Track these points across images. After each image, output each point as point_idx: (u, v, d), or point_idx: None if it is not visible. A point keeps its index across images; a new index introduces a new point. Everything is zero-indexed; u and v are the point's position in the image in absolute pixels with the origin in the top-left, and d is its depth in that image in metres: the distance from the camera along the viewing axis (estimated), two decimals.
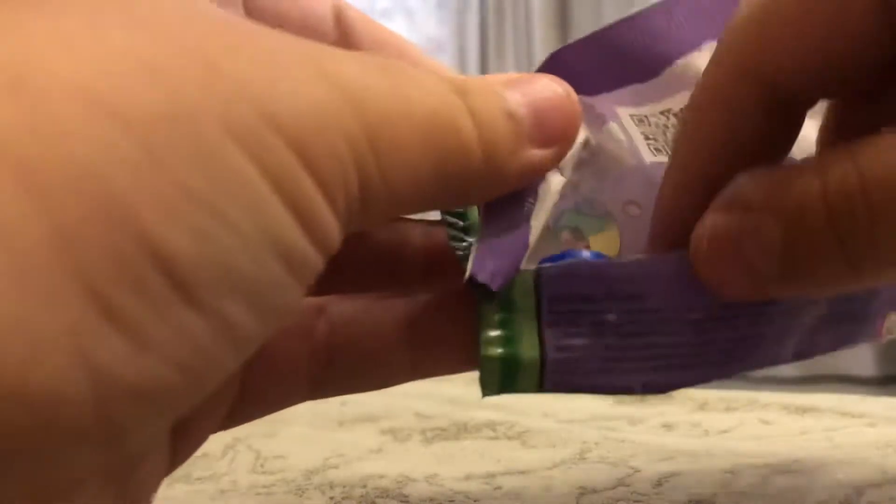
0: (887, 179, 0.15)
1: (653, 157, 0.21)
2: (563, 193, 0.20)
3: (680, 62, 0.21)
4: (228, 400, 0.19)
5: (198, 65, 0.13)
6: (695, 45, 0.21)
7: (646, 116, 0.21)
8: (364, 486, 0.29)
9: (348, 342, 0.20)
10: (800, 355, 0.21)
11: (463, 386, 0.50)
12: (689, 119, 0.19)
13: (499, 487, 0.28)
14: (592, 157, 0.20)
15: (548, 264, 0.18)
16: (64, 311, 0.11)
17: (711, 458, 0.30)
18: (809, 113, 0.18)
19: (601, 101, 0.21)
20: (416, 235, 0.22)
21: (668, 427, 0.36)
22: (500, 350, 0.18)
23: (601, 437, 0.34)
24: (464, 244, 0.21)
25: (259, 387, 0.19)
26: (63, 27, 0.12)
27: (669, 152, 0.21)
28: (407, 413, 0.42)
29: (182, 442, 0.17)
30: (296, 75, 0.14)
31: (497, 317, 0.18)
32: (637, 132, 0.21)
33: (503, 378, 0.19)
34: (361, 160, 0.14)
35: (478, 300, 0.18)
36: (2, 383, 0.10)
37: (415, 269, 0.22)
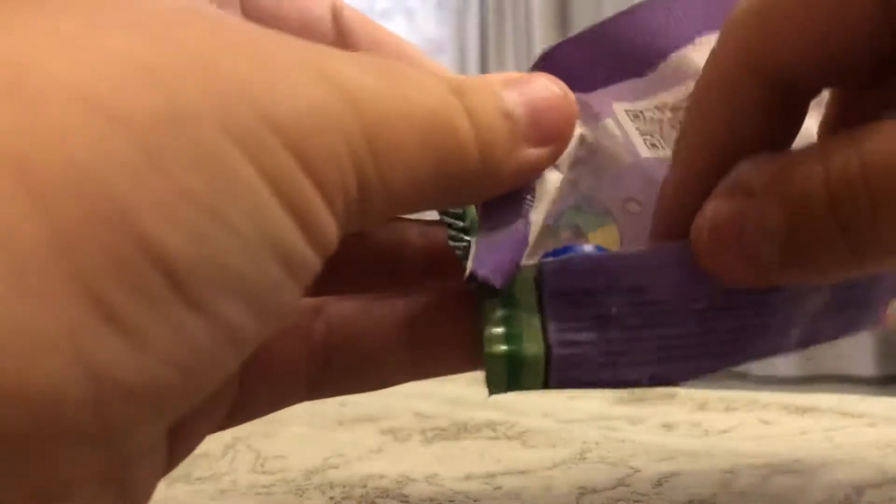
0: (888, 166, 0.15)
1: (648, 152, 0.21)
2: (562, 191, 0.19)
3: (674, 56, 0.21)
4: (226, 400, 0.19)
5: (196, 66, 0.13)
6: (690, 39, 0.21)
7: (641, 111, 0.21)
8: (364, 486, 0.29)
9: (346, 342, 0.20)
10: (804, 343, 0.21)
11: (463, 386, 0.50)
12: (691, 112, 0.19)
13: (499, 487, 0.28)
14: (589, 155, 0.20)
15: (549, 259, 0.18)
16: (63, 312, 0.11)
17: (711, 458, 0.30)
18: (812, 106, 0.18)
19: (596, 98, 0.21)
20: (415, 235, 0.22)
21: (668, 427, 0.36)
22: (503, 347, 0.18)
23: (601, 437, 0.34)
24: (463, 244, 0.21)
25: (257, 387, 0.19)
26: (62, 29, 0.12)
27: (665, 147, 0.21)
28: (407, 413, 0.42)
29: (179, 442, 0.17)
30: (294, 76, 0.14)
31: (499, 314, 0.18)
32: (632, 128, 0.21)
33: (509, 376, 0.18)
34: (359, 161, 0.14)
35: (478, 298, 0.18)
36: (1, 384, 0.10)
37: (413, 270, 0.22)
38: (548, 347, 0.18)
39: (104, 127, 0.11)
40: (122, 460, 0.12)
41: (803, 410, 0.38)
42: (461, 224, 0.21)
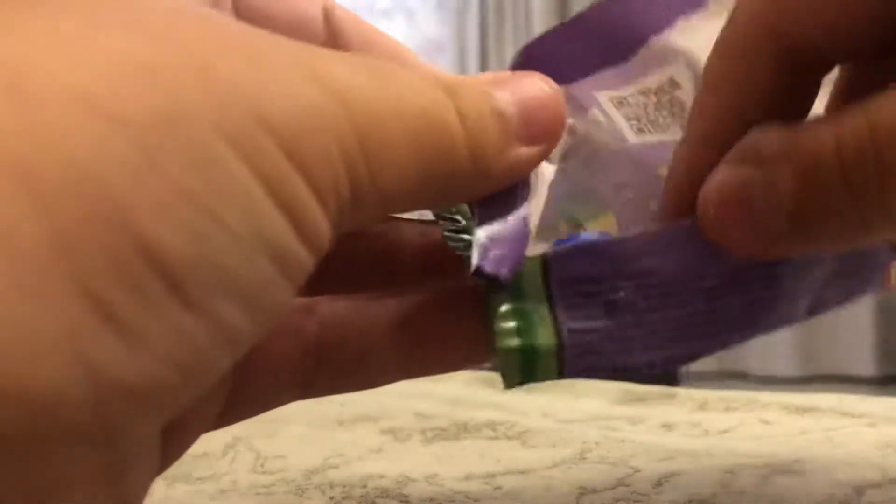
0: None
1: (636, 137, 0.21)
2: (556, 182, 0.20)
3: (655, 40, 0.21)
4: (220, 400, 0.19)
5: (193, 67, 0.13)
6: (670, 22, 0.21)
7: (625, 98, 0.21)
8: (364, 486, 0.29)
9: (339, 341, 0.20)
10: (812, 311, 0.21)
11: (463, 386, 0.50)
12: (706, 80, 0.19)
13: (499, 487, 0.28)
14: (579, 146, 0.21)
15: (555, 248, 0.18)
16: (63, 312, 0.11)
17: (711, 458, 0.30)
18: (820, 96, 0.18)
19: (580, 88, 0.21)
20: (408, 235, 0.22)
21: (668, 427, 0.36)
22: (516, 341, 0.18)
23: (601, 437, 0.34)
24: (461, 244, 0.21)
25: (250, 386, 0.19)
26: (61, 29, 0.12)
27: (653, 131, 0.21)
28: (407, 413, 0.42)
29: (173, 442, 0.17)
30: (287, 77, 0.14)
31: (508, 307, 0.18)
32: (618, 115, 0.21)
33: (523, 369, 0.18)
34: (352, 161, 0.14)
35: (485, 293, 0.18)
36: (1, 384, 0.10)
37: (406, 269, 0.22)
38: (559, 337, 0.18)
39: (103, 127, 0.12)
40: (120, 460, 0.13)
41: (803, 410, 0.38)
42: (458, 224, 0.21)
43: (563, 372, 0.19)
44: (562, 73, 0.20)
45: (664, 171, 0.21)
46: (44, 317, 0.11)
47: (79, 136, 0.11)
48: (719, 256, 0.18)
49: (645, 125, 0.21)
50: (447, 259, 0.21)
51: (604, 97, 0.21)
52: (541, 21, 2.18)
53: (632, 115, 0.21)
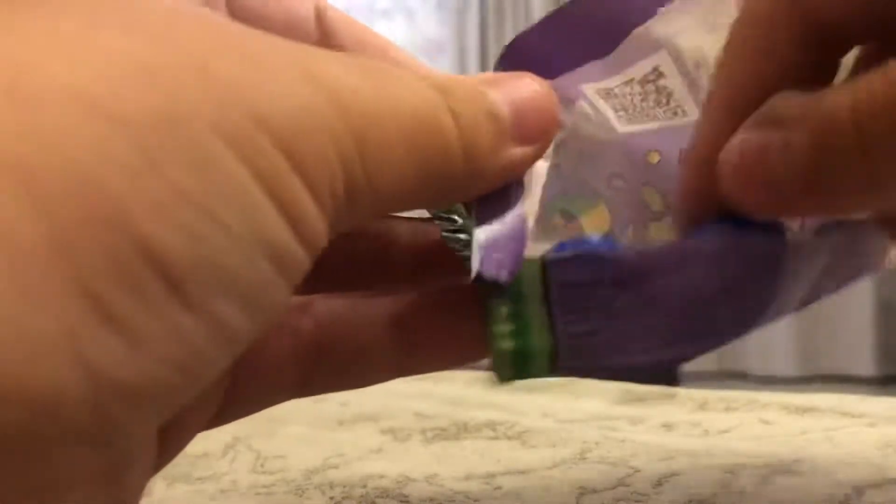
0: None
1: (625, 127, 0.21)
2: (549, 179, 0.20)
3: (637, 31, 0.21)
4: (216, 399, 0.19)
5: (191, 67, 0.13)
6: (651, 13, 0.21)
7: (611, 89, 0.21)
8: (364, 486, 0.29)
9: (335, 340, 0.20)
10: (804, 304, 0.21)
11: (463, 386, 0.50)
12: (727, 49, 0.19)
13: (499, 487, 0.28)
14: (568, 140, 0.21)
15: (558, 253, 0.18)
16: (63, 313, 0.11)
17: (711, 458, 0.30)
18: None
19: (565, 82, 0.21)
20: (402, 233, 0.22)
21: (668, 427, 0.36)
22: (512, 343, 0.18)
23: (601, 437, 0.34)
24: (459, 243, 0.21)
25: (246, 385, 0.19)
26: (60, 29, 0.12)
27: (640, 120, 0.21)
28: (407, 413, 0.42)
29: (170, 441, 0.17)
30: (284, 77, 0.14)
31: (505, 309, 0.18)
32: (606, 106, 0.21)
33: (517, 368, 0.19)
34: (347, 160, 0.14)
35: (482, 294, 0.18)
36: (1, 384, 0.10)
37: (400, 267, 0.22)
38: (555, 339, 0.18)
39: (103, 127, 0.12)
40: (118, 459, 0.13)
41: (803, 410, 0.38)
42: (455, 223, 0.21)
43: (555, 371, 0.19)
44: (547, 68, 0.20)
45: (653, 158, 0.21)
46: (43, 317, 0.11)
47: (78, 136, 0.11)
48: (717, 272, 0.18)
49: (632, 115, 0.21)
50: (441, 257, 0.21)
51: (590, 90, 0.21)
52: None
53: (619, 106, 0.21)
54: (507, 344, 0.18)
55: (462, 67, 2.28)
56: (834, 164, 0.16)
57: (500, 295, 0.18)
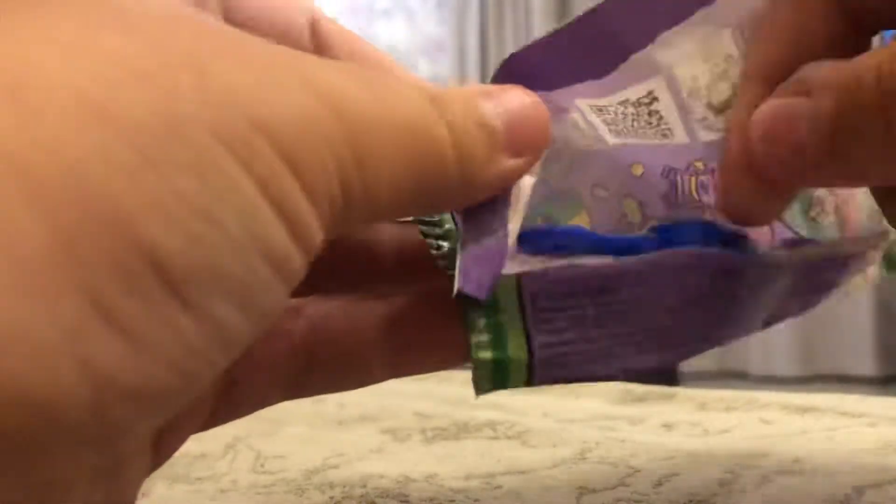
0: None
1: (615, 139, 0.21)
2: (535, 188, 0.20)
3: (635, 57, 0.22)
4: (210, 401, 0.19)
5: (190, 72, 0.13)
6: (651, 37, 0.22)
7: (604, 107, 0.22)
8: (364, 486, 0.29)
9: (328, 342, 0.20)
10: (769, 323, 0.22)
11: (463, 386, 0.50)
12: (762, 27, 0.20)
13: (499, 487, 0.28)
14: (560, 151, 0.21)
15: (530, 269, 0.19)
16: (63, 314, 0.11)
17: (711, 458, 0.30)
18: None
19: (560, 95, 0.21)
20: (388, 237, 0.23)
21: (668, 427, 0.36)
22: (489, 353, 0.19)
23: (601, 437, 0.34)
24: (442, 251, 0.21)
25: (240, 387, 0.20)
26: (60, 33, 0.13)
27: (628, 137, 0.22)
28: (407, 413, 0.42)
29: (165, 443, 0.17)
30: (282, 83, 0.14)
31: (484, 322, 0.19)
32: (597, 119, 0.21)
33: (495, 378, 0.19)
34: (344, 167, 0.14)
35: (463, 306, 0.19)
36: (2, 385, 0.10)
37: (387, 271, 0.23)
38: (531, 349, 0.19)
39: (102, 130, 0.12)
40: (116, 460, 0.13)
41: (803, 410, 0.38)
42: (438, 231, 0.21)
43: (531, 381, 0.20)
44: (544, 85, 0.20)
45: (637, 171, 0.21)
46: (44, 318, 0.11)
47: (78, 138, 0.11)
48: (683, 282, 0.19)
49: (622, 130, 0.22)
50: (427, 259, 0.21)
51: (584, 104, 0.21)
52: (541, 21, 2.18)
53: (610, 121, 0.22)
54: (484, 354, 0.19)
55: (462, 67, 2.28)
56: (857, 128, 0.16)
57: (479, 307, 0.19)
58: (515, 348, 0.19)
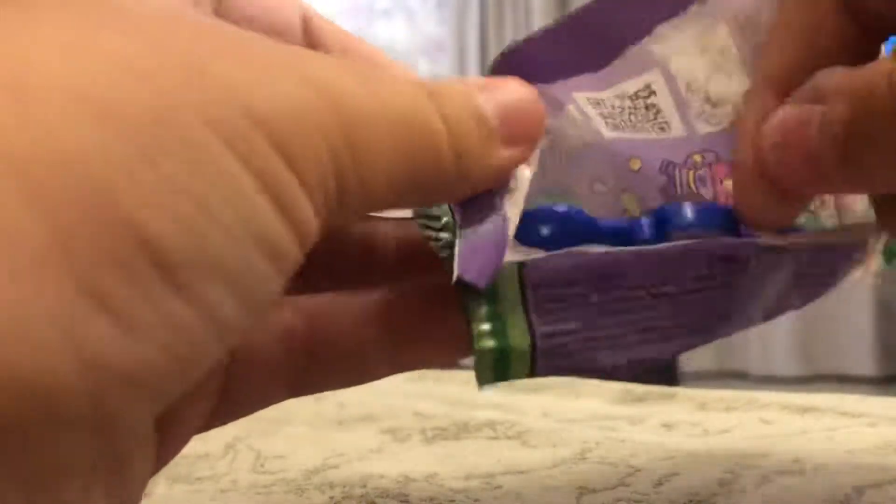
0: None
1: (612, 133, 0.21)
2: (533, 182, 0.20)
3: (632, 50, 0.22)
4: (211, 399, 0.19)
5: (185, 67, 0.13)
6: (648, 31, 0.22)
7: (601, 100, 0.22)
8: (364, 486, 0.29)
9: (326, 339, 0.20)
10: (769, 316, 0.22)
11: (463, 386, 0.50)
12: (774, 30, 0.20)
13: (499, 487, 0.28)
14: (557, 144, 0.21)
15: (531, 258, 0.19)
16: (58, 301, 0.11)
17: (711, 458, 0.30)
18: None
19: (556, 88, 0.21)
20: (385, 231, 0.23)
21: (668, 427, 0.36)
22: (492, 343, 0.19)
23: (601, 437, 0.34)
24: (440, 242, 0.21)
25: (240, 385, 0.20)
26: (60, 32, 0.13)
27: (628, 129, 0.22)
28: (407, 413, 0.42)
29: (167, 442, 0.17)
30: (278, 78, 0.14)
31: (485, 311, 0.19)
32: (594, 112, 0.21)
33: (496, 369, 0.19)
34: (339, 159, 0.14)
35: (463, 296, 0.19)
36: None
37: (385, 265, 0.23)
38: (533, 339, 0.19)
39: (101, 127, 0.12)
40: (115, 450, 0.13)
41: (803, 410, 0.38)
42: (437, 223, 0.21)
43: (533, 372, 0.20)
44: (541, 77, 0.20)
45: (635, 165, 0.21)
46: (40, 305, 0.11)
47: (76, 132, 0.12)
48: (683, 270, 0.19)
49: (619, 124, 0.22)
50: (425, 254, 0.21)
51: (581, 97, 0.21)
52: (541, 21, 2.18)
53: (607, 114, 0.22)
54: (487, 343, 0.19)
55: (462, 67, 2.28)
56: (869, 131, 0.16)
57: (480, 296, 0.19)
58: (517, 337, 0.19)
